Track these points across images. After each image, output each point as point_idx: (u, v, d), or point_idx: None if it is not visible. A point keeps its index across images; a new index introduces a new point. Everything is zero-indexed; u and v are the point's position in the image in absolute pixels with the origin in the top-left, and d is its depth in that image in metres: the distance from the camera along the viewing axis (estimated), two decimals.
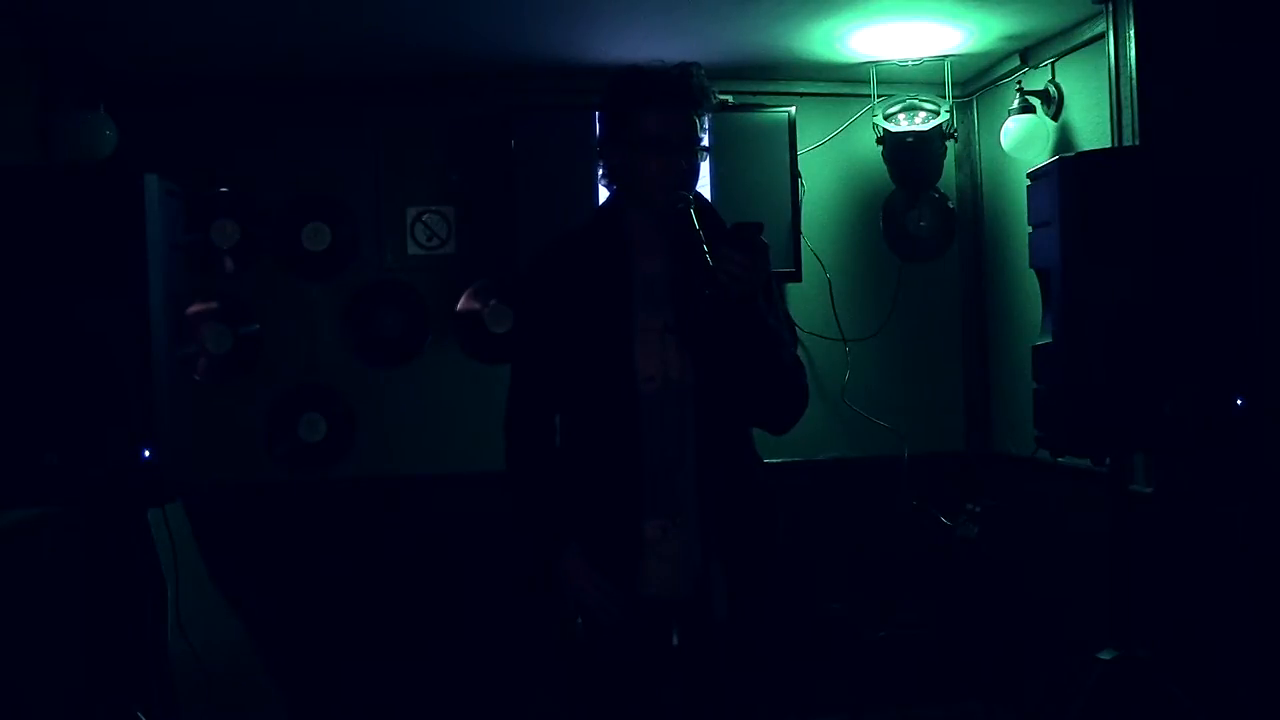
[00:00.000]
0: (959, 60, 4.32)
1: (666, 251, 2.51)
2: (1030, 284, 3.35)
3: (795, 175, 4.37)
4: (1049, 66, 4.09)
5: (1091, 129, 3.88)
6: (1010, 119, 4.11)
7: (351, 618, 4.28)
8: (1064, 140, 4.05)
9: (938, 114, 4.43)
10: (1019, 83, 4.16)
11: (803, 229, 4.43)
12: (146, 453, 2.59)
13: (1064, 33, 3.97)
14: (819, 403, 4.36)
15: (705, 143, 2.51)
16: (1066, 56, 4.01)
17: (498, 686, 4.28)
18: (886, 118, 4.45)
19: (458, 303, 4.36)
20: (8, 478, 2.58)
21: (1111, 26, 3.56)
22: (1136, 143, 3.44)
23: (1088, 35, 3.82)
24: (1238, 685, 3.28)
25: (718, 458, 2.48)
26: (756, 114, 4.36)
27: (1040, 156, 3.98)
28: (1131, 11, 3.45)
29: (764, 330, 2.43)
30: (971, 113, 4.69)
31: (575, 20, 3.75)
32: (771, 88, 4.51)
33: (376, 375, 4.37)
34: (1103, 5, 3.59)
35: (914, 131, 4.43)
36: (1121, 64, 3.52)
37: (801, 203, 4.42)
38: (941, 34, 4.02)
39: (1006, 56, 4.32)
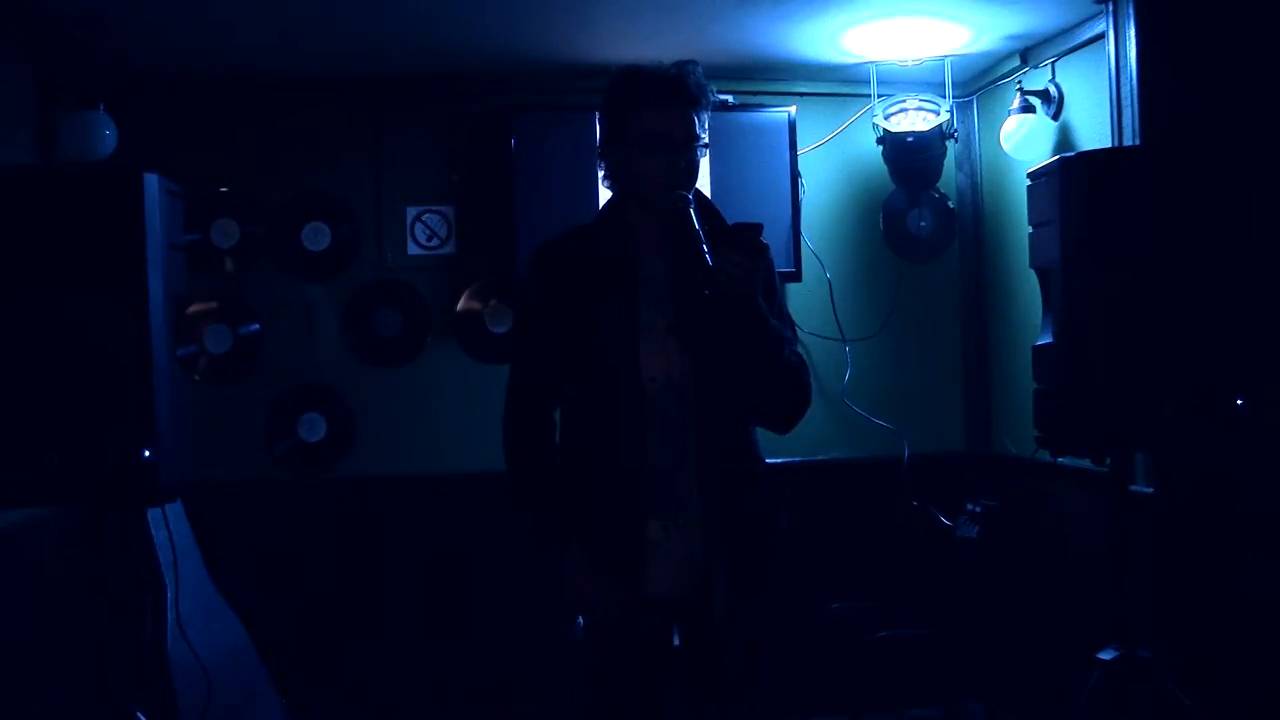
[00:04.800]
0: (959, 60, 4.32)
1: (668, 251, 2.52)
2: (1030, 284, 3.35)
3: (795, 175, 4.37)
4: (1049, 66, 4.09)
5: (1091, 129, 3.88)
6: (1010, 119, 4.11)
7: (351, 618, 4.28)
8: (1064, 140, 4.05)
9: (938, 114, 4.43)
10: (1019, 83, 4.16)
11: (803, 229, 4.43)
12: (146, 453, 2.59)
13: (1064, 33, 3.97)
14: (819, 403, 4.36)
15: (704, 141, 2.51)
16: (1067, 56, 4.01)
17: (498, 686, 4.28)
18: (886, 118, 4.45)
19: (458, 303, 4.36)
20: (8, 478, 2.58)
21: (1112, 26, 3.56)
22: (1137, 143, 3.44)
23: (1088, 35, 3.82)
24: (1238, 685, 3.27)
25: (719, 458, 2.48)
26: (756, 114, 4.36)
27: (1040, 156, 3.98)
28: (1131, 11, 3.45)
29: (765, 329, 2.43)
30: (971, 113, 4.69)
31: (575, 20, 3.75)
32: (771, 88, 4.52)
33: (376, 375, 4.37)
34: (1103, 5, 3.59)
35: (914, 131, 4.43)
36: (1121, 64, 3.52)
37: (801, 203, 4.42)
38: (941, 34, 4.02)
39: (1006, 56, 4.32)
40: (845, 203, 4.64)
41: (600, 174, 2.60)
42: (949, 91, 4.42)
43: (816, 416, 3.99)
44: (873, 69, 4.34)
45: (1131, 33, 3.45)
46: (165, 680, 3.30)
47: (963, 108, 4.66)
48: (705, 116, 2.50)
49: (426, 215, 4.40)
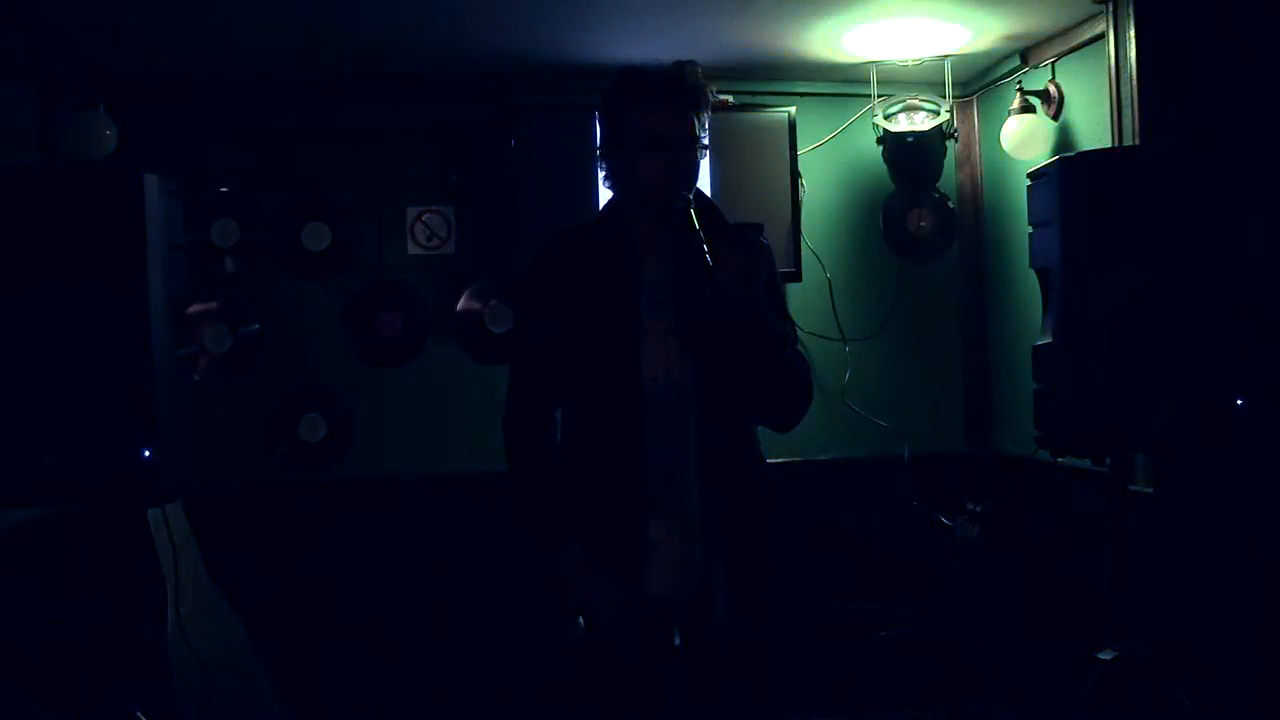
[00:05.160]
0: (959, 60, 4.32)
1: (669, 251, 2.52)
2: (1030, 284, 3.35)
3: (795, 175, 4.37)
4: (1049, 66, 4.09)
5: (1091, 129, 3.88)
6: (1010, 119, 4.11)
7: (351, 618, 4.28)
8: (1064, 140, 4.05)
9: (938, 114, 4.43)
10: (1019, 83, 4.16)
11: (803, 229, 4.43)
12: (146, 453, 2.59)
13: (1064, 33, 3.97)
14: (819, 403, 4.33)
15: (704, 141, 2.51)
16: (1066, 56, 4.01)
17: (498, 686, 4.28)
18: (886, 118, 4.45)
19: (458, 303, 4.36)
20: (8, 478, 2.58)
21: (1111, 26, 3.56)
22: (1137, 143, 3.44)
23: (1088, 35, 3.82)
24: (1238, 685, 3.27)
25: (720, 458, 2.48)
26: (756, 114, 4.36)
27: (1040, 156, 3.98)
28: (1131, 11, 3.45)
29: (765, 329, 2.43)
30: (971, 113, 4.69)
31: (575, 20, 3.74)
32: (771, 88, 4.51)
33: (376, 375, 4.37)
34: (1103, 5, 3.59)
35: (914, 131, 4.43)
36: (1121, 64, 3.52)
37: (801, 203, 4.42)
38: (941, 34, 4.01)
39: (1006, 56, 4.32)
40: (845, 203, 4.64)
41: (601, 174, 2.60)
42: (949, 91, 4.42)
43: (816, 416, 3.97)
44: (873, 69, 4.34)
45: (1131, 33, 3.45)
46: (165, 680, 3.30)
47: (963, 108, 4.66)
48: (705, 117, 2.50)
49: (426, 215, 4.39)
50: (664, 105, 2.45)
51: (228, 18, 3.59)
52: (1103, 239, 2.94)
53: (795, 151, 4.38)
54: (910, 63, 4.27)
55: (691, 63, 2.50)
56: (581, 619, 2.56)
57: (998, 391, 4.63)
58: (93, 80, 3.90)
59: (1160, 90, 3.41)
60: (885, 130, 4.44)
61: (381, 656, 4.30)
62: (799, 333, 2.71)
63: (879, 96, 4.42)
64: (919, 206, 4.64)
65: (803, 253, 4.42)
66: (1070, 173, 3.00)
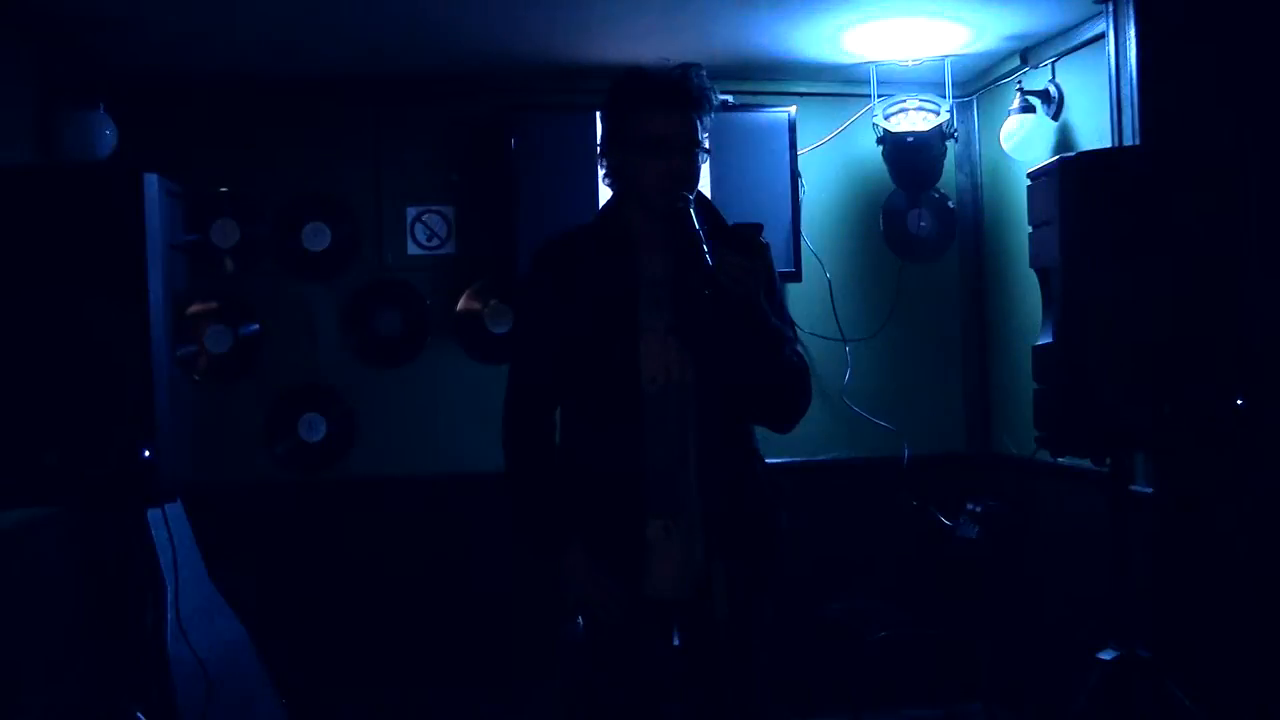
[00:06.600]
0: (959, 60, 4.32)
1: (668, 252, 2.52)
2: (1030, 284, 3.35)
3: (795, 175, 4.37)
4: (1049, 66, 4.09)
5: (1091, 129, 3.88)
6: (1010, 119, 4.11)
7: (351, 618, 4.28)
8: (1064, 140, 4.05)
9: (938, 114, 4.43)
10: (1019, 83, 4.16)
11: (803, 229, 4.43)
12: (146, 453, 2.59)
13: (1064, 33, 3.97)
14: (819, 403, 4.35)
15: (706, 144, 2.51)
16: (1066, 56, 4.01)
17: (498, 686, 4.28)
18: (886, 118, 4.45)
19: (458, 303, 4.36)
20: (8, 478, 2.58)
21: (1111, 26, 3.56)
22: (1137, 143, 3.44)
23: (1088, 35, 3.82)
24: (1238, 685, 3.27)
25: (719, 458, 2.48)
26: (756, 114, 4.36)
27: (1040, 156, 3.98)
28: (1131, 11, 3.45)
29: (765, 330, 2.43)
30: (971, 113, 4.69)
31: (575, 20, 3.75)
32: (771, 88, 4.51)
33: (376, 375, 4.37)
34: (1103, 5, 3.59)
35: (914, 131, 4.43)
36: (1121, 64, 3.52)
37: (801, 203, 4.42)
38: (941, 34, 4.02)
39: (1006, 56, 4.32)
40: (845, 203, 4.64)
41: (601, 174, 2.60)
42: (949, 91, 4.42)
43: (816, 416, 3.98)
44: (873, 69, 4.34)
45: (1131, 33, 3.45)
46: (165, 680, 3.30)
47: (963, 108, 4.65)
48: (708, 120, 2.50)
49: (426, 215, 4.40)
50: (668, 108, 2.45)
51: (228, 17, 3.59)
52: (1103, 239, 2.94)
53: (795, 151, 4.38)
54: (910, 63, 4.27)
55: (697, 65, 2.50)
56: (581, 619, 2.56)
57: (998, 391, 4.63)
58: (93, 80, 3.90)
59: (1160, 90, 3.41)
60: (885, 130, 4.44)
61: (381, 656, 4.30)
62: (799, 333, 2.71)
63: (879, 96, 4.42)
64: (919, 206, 4.64)
65: (803, 253, 4.42)
66: (1070, 173, 2.99)
